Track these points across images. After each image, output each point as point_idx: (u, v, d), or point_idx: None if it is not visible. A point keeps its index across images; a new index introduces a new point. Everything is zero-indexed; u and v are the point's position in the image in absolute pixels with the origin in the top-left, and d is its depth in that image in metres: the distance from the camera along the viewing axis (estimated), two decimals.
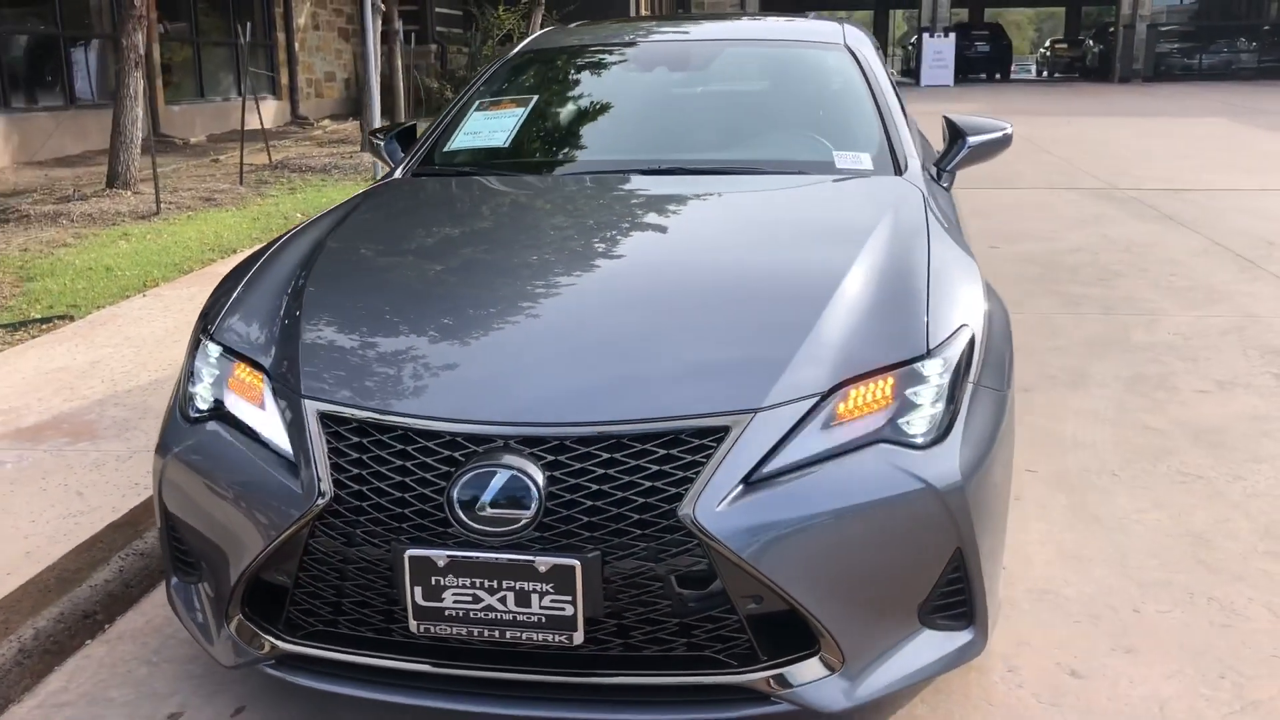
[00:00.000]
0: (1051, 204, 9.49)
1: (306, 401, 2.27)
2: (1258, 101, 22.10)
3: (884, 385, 2.25)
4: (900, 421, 2.22)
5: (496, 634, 2.11)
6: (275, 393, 2.35)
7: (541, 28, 12.76)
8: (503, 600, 2.08)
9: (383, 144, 3.93)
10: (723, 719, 2.15)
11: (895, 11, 57.26)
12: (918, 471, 2.16)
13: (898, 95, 3.96)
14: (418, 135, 3.99)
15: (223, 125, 16.38)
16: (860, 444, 2.18)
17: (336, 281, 2.69)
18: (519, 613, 2.08)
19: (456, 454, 2.12)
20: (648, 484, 2.08)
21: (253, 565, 2.24)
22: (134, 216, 8.58)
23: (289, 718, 2.53)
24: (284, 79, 19.08)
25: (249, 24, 12.21)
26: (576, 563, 2.04)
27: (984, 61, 36.45)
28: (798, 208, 3.12)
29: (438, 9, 22.37)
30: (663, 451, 2.10)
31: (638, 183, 3.32)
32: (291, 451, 2.24)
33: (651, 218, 3.06)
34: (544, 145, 3.78)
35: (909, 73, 35.34)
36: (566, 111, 3.93)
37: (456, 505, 2.07)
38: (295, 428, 2.26)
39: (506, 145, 3.65)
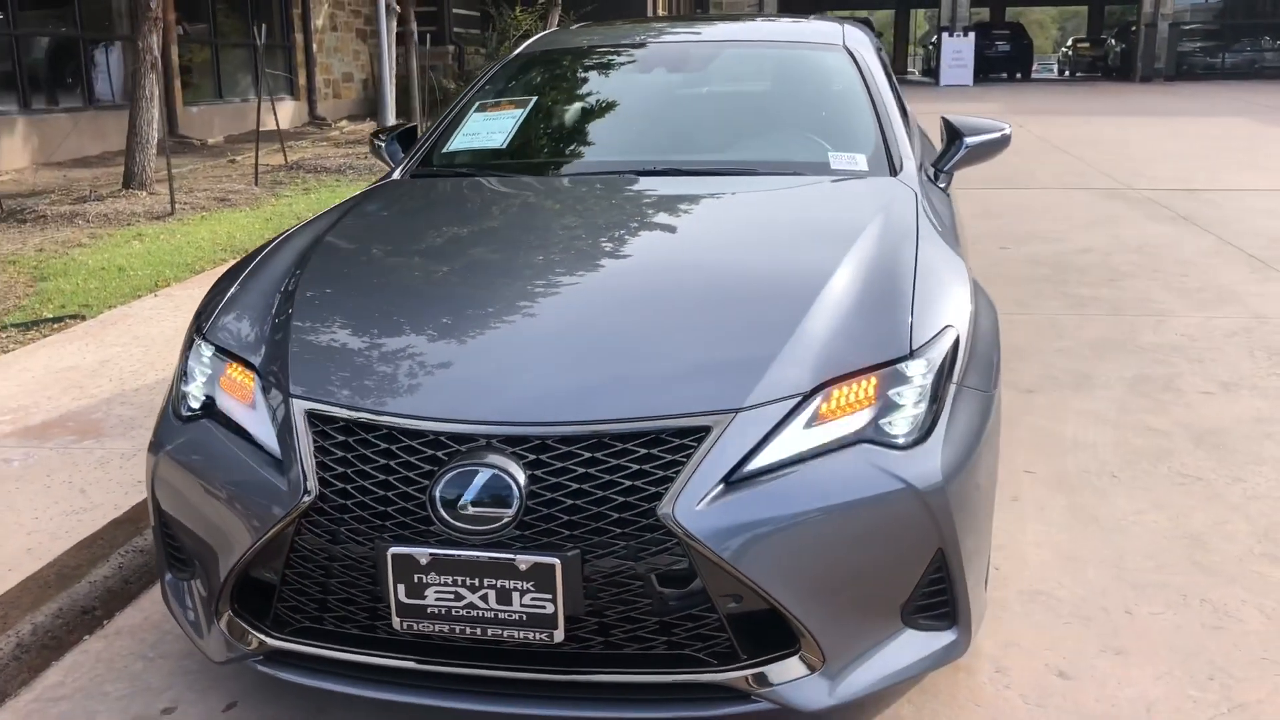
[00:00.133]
0: (1064, 204, 9.45)
1: (294, 400, 2.30)
2: None
3: (867, 385, 2.26)
4: (882, 422, 2.23)
5: (478, 631, 2.13)
6: (265, 391, 2.38)
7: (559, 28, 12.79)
8: (484, 598, 2.10)
9: (384, 145, 3.97)
10: (703, 717, 2.16)
11: (917, 11, 57.13)
12: (898, 472, 2.17)
13: (898, 96, 3.96)
14: (418, 136, 4.02)
15: (241, 126, 16.49)
16: (842, 444, 2.19)
17: (327, 282, 2.72)
18: (500, 610, 2.10)
19: (440, 453, 2.15)
20: (628, 483, 2.09)
21: (241, 562, 2.27)
22: (149, 217, 8.65)
23: (281, 714, 2.56)
24: (302, 80, 19.19)
25: (264, 26, 12.26)
26: (556, 561, 2.06)
27: (1004, 61, 36.31)
28: (789, 209, 3.13)
29: (455, 10, 22.45)
30: (644, 451, 2.11)
31: (631, 184, 3.34)
32: (279, 450, 2.27)
33: (641, 219, 3.08)
34: (541, 146, 3.80)
35: (929, 72, 35.24)
36: (564, 113, 3.95)
37: (438, 504, 2.09)
38: (283, 426, 2.29)
39: (504, 146, 3.67)
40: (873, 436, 2.21)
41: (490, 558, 2.08)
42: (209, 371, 2.54)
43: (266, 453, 2.29)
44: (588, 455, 2.11)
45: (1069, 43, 48.51)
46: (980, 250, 7.53)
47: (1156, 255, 7.30)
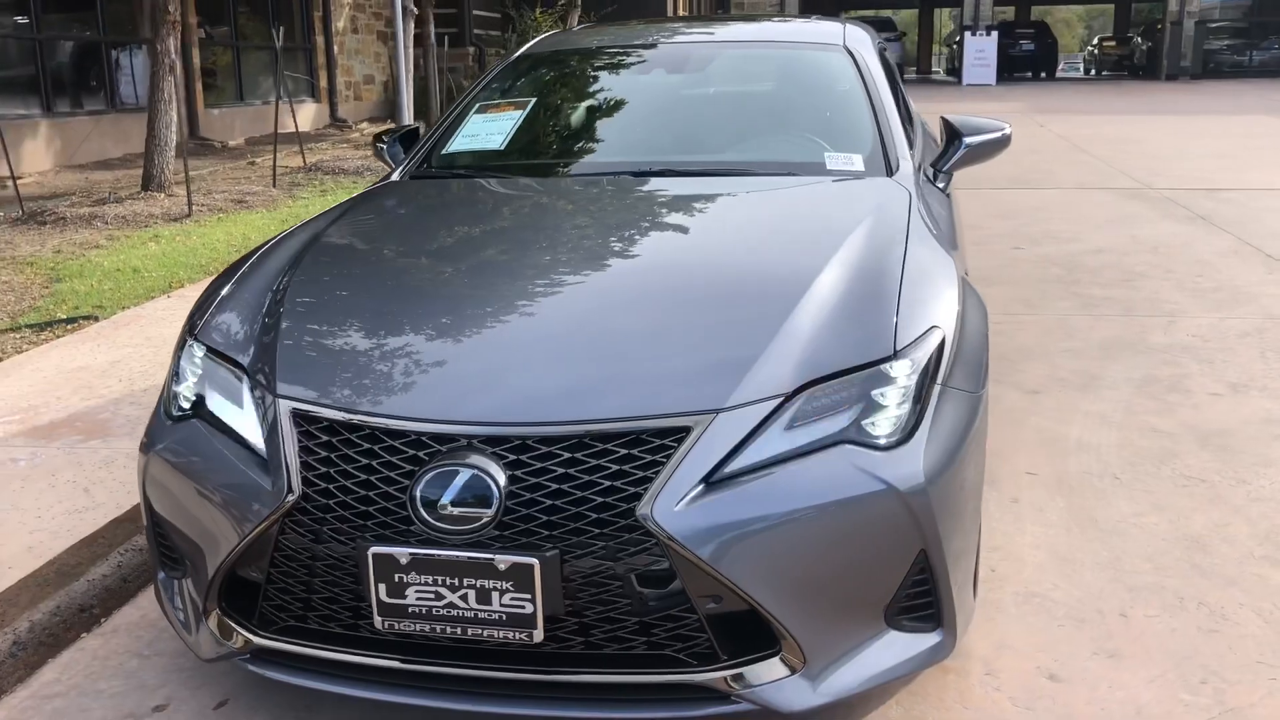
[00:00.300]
0: (1082, 204, 9.39)
1: (280, 400, 2.31)
2: None
3: (850, 386, 2.26)
4: (865, 423, 2.22)
5: (459, 631, 2.14)
6: (253, 391, 2.40)
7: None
8: (464, 598, 2.11)
9: (386, 147, 3.99)
10: (683, 717, 2.16)
11: (941, 10, 56.84)
12: (880, 473, 2.16)
13: (900, 96, 3.95)
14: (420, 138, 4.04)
15: (262, 128, 16.60)
16: (823, 445, 2.19)
17: (318, 283, 2.74)
18: (480, 610, 2.11)
19: (421, 453, 2.16)
20: (608, 484, 2.10)
21: (227, 561, 2.29)
22: (166, 219, 8.73)
23: (272, 711, 2.57)
24: (323, 82, 19.29)
25: (282, 27, 12.34)
26: (535, 561, 2.07)
27: (1029, 60, 36.08)
28: (781, 209, 3.12)
29: (475, 11, 22.52)
30: (624, 451, 2.12)
31: (626, 185, 3.34)
32: (265, 449, 2.29)
33: (630, 220, 3.08)
34: (538, 148, 3.81)
35: (954, 71, 35.06)
36: (562, 114, 3.96)
37: (419, 504, 2.10)
38: (270, 426, 2.31)
39: (502, 148, 3.69)
40: (855, 437, 2.20)
41: (470, 558, 2.09)
42: (200, 371, 2.56)
43: (253, 452, 2.31)
44: (568, 456, 2.12)
45: (1095, 41, 48.16)
46: (993, 251, 7.50)
47: (1172, 255, 7.24)
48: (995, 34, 30.36)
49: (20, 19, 12.57)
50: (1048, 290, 6.37)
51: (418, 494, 2.11)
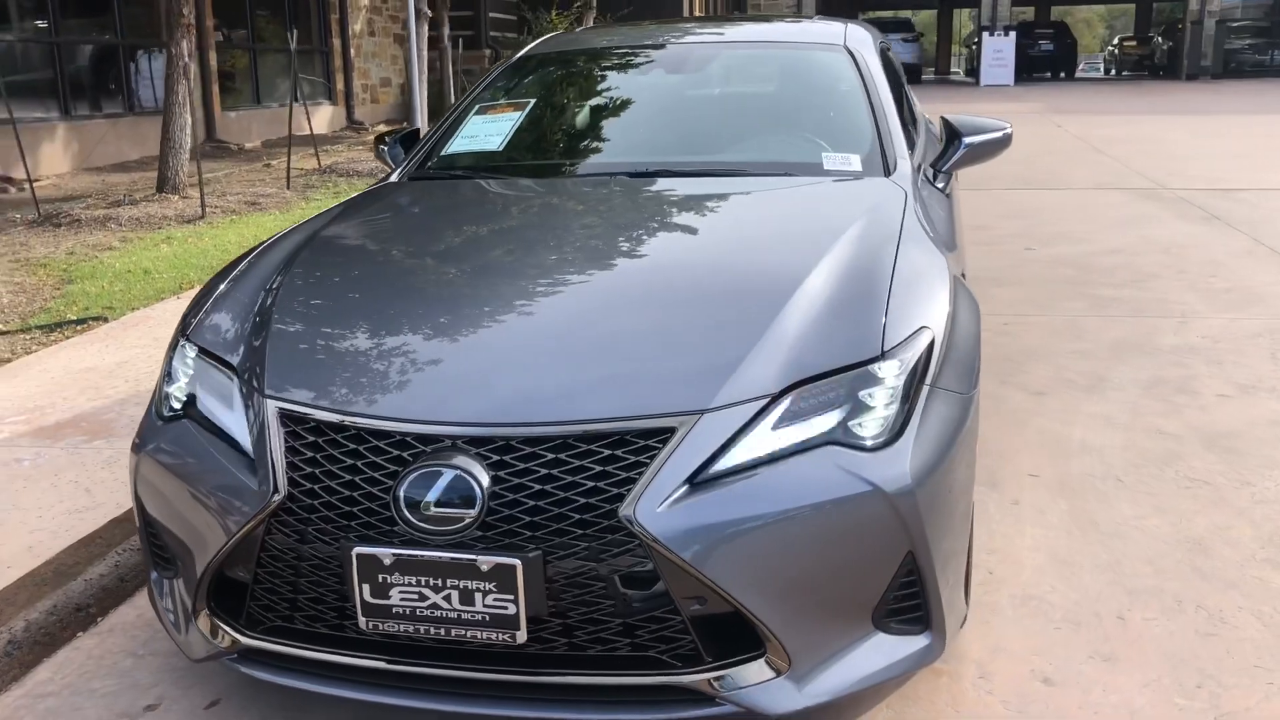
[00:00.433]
0: (1096, 205, 9.33)
1: (268, 400, 2.32)
2: None
3: (837, 387, 2.24)
4: (852, 423, 2.21)
5: (442, 632, 2.13)
6: (242, 392, 2.41)
7: None
8: (447, 599, 2.11)
9: (387, 148, 4.00)
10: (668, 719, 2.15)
11: (960, 11, 56.61)
12: (866, 474, 2.15)
13: (902, 96, 3.93)
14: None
15: (278, 131, 16.66)
16: (810, 446, 2.17)
17: (308, 284, 2.74)
18: (463, 611, 2.11)
19: (405, 454, 2.16)
20: (591, 484, 2.09)
21: (215, 561, 2.29)
22: (179, 220, 8.78)
23: (262, 712, 2.58)
24: (339, 85, 19.36)
25: (295, 31, 12.39)
26: (517, 562, 2.06)
27: (1048, 60, 35.93)
28: (775, 210, 3.11)
29: (491, 14, 22.56)
30: (608, 452, 2.11)
31: (621, 186, 3.33)
32: (253, 450, 2.29)
33: (624, 220, 3.07)
34: (536, 149, 3.81)
35: (973, 72, 34.92)
36: (560, 115, 3.95)
37: (402, 504, 2.10)
38: (257, 426, 2.31)
39: (500, 149, 3.69)
40: (841, 438, 2.19)
41: (452, 558, 2.08)
42: (191, 372, 2.56)
43: (241, 453, 2.32)
44: (552, 456, 2.11)
45: (1115, 41, 47.88)
46: (1004, 251, 7.46)
47: (1185, 256, 7.18)
48: (1013, 34, 30.22)
49: (39, 23, 12.67)
50: (1058, 291, 6.33)
51: (401, 494, 2.10)
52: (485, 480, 2.10)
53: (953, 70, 50.01)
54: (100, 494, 3.60)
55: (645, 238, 2.90)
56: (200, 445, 2.40)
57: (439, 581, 2.10)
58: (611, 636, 2.13)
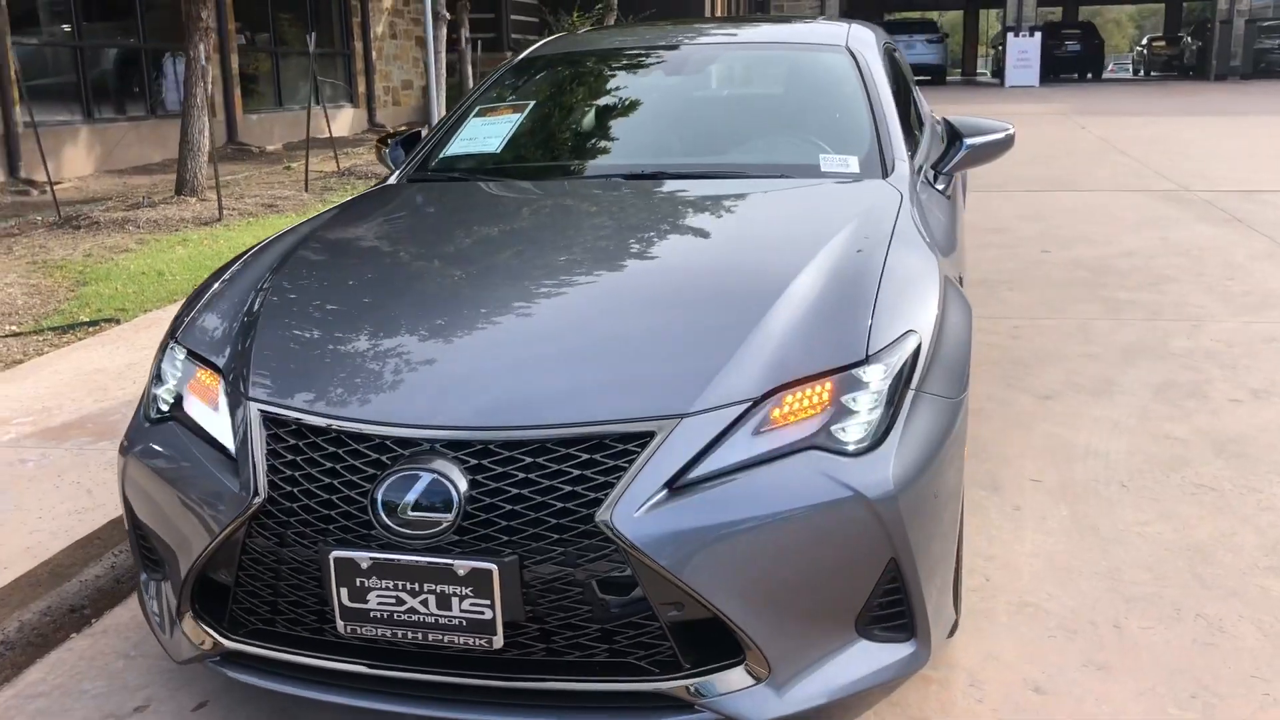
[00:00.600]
0: (1116, 206, 9.24)
1: (251, 403, 2.32)
2: None
3: (820, 391, 2.22)
4: (834, 428, 2.18)
5: (420, 636, 2.12)
6: (227, 394, 2.41)
7: None
8: (424, 603, 2.10)
9: (389, 150, 4.00)
10: None
11: (987, 11, 56.30)
12: (847, 479, 2.12)
13: (905, 96, 3.90)
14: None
15: (300, 133, 16.74)
16: (791, 450, 2.15)
17: (296, 287, 2.74)
18: (440, 615, 2.10)
19: (384, 457, 2.15)
20: (568, 489, 2.08)
21: (198, 563, 2.29)
22: (196, 223, 8.83)
23: (250, 714, 2.58)
24: (361, 88, 19.46)
25: (314, 34, 12.44)
26: (494, 567, 2.05)
27: (1074, 61, 35.64)
28: (768, 212, 3.09)
29: (513, 16, 22.62)
30: (586, 456, 2.10)
31: (615, 188, 3.31)
32: (236, 452, 2.29)
33: (614, 223, 3.05)
34: (533, 151, 3.80)
35: (999, 73, 34.70)
36: (559, 117, 3.94)
37: (380, 508, 2.09)
38: (240, 429, 2.31)
39: (498, 151, 3.68)
40: (823, 443, 2.16)
41: (429, 562, 2.08)
42: (179, 374, 2.57)
43: (225, 455, 2.32)
44: (530, 460, 2.10)
45: (1144, 41, 47.47)
46: (1021, 254, 7.39)
47: (1203, 258, 7.10)
48: (1038, 35, 29.99)
49: (64, 27, 12.79)
50: (1073, 293, 6.27)
51: (379, 498, 2.10)
52: (463, 484, 2.09)
53: (979, 71, 49.73)
54: (101, 495, 3.62)
55: (633, 241, 2.88)
56: (185, 447, 2.40)
57: (416, 586, 2.09)
58: (589, 642, 2.11)
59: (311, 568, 2.17)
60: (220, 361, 2.50)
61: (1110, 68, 42.38)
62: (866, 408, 2.22)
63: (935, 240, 2.91)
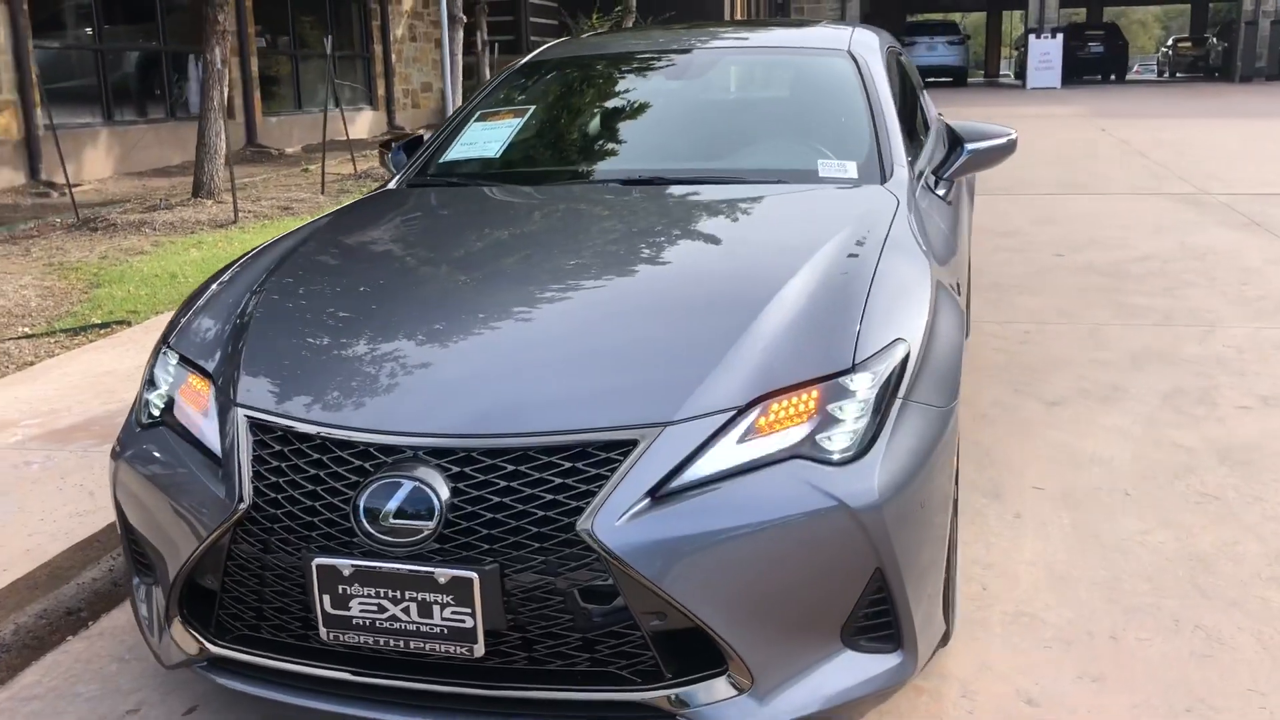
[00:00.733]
0: (1133, 210, 9.16)
1: (239, 409, 2.32)
2: None
3: (806, 399, 2.20)
4: (820, 437, 2.17)
5: (402, 644, 2.12)
6: (217, 400, 2.41)
7: None
8: (406, 610, 2.10)
9: (391, 154, 4.00)
10: None
11: (1010, 13, 55.99)
12: (831, 489, 2.11)
13: (910, 100, 3.87)
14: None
15: (319, 136, 16.80)
16: (775, 459, 2.13)
17: (287, 293, 2.75)
18: (422, 623, 2.10)
19: (367, 464, 2.15)
20: (550, 497, 2.07)
21: (185, 568, 2.30)
22: (212, 225, 8.88)
23: (239, 718, 2.58)
24: (380, 90, 19.53)
25: (331, 37, 12.50)
26: (475, 575, 2.04)
27: (1098, 62, 35.41)
28: (763, 218, 3.07)
29: (532, 19, 22.66)
30: (568, 465, 2.09)
31: (610, 194, 3.30)
32: (222, 458, 2.30)
33: (606, 229, 3.04)
34: (532, 156, 3.79)
35: (1021, 75, 34.50)
36: (558, 122, 3.93)
37: (362, 515, 2.09)
38: (228, 434, 2.31)
39: (497, 156, 3.68)
40: (808, 452, 2.15)
41: (410, 570, 2.07)
42: (171, 379, 2.58)
43: (213, 460, 2.32)
44: (511, 469, 2.09)
45: (1169, 42, 47.10)
46: (1034, 258, 7.34)
47: (1219, 263, 7.03)
48: (1060, 36, 29.78)
49: (85, 30, 12.90)
50: (1086, 299, 6.22)
51: (361, 505, 2.10)
52: (445, 492, 2.08)
53: (1003, 73, 49.47)
54: (103, 498, 3.64)
55: (624, 247, 2.87)
56: (175, 453, 2.41)
57: (397, 593, 2.09)
58: (571, 651, 2.10)
59: (295, 574, 2.18)
60: (211, 367, 2.50)
61: (1135, 69, 42.08)
62: (853, 416, 2.20)
63: (932, 247, 2.88)
